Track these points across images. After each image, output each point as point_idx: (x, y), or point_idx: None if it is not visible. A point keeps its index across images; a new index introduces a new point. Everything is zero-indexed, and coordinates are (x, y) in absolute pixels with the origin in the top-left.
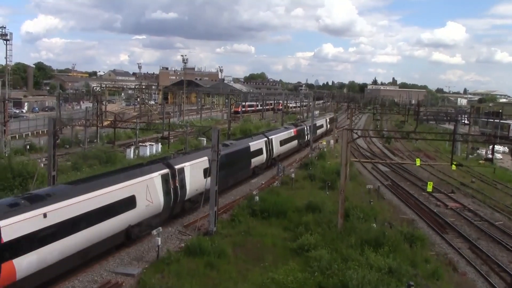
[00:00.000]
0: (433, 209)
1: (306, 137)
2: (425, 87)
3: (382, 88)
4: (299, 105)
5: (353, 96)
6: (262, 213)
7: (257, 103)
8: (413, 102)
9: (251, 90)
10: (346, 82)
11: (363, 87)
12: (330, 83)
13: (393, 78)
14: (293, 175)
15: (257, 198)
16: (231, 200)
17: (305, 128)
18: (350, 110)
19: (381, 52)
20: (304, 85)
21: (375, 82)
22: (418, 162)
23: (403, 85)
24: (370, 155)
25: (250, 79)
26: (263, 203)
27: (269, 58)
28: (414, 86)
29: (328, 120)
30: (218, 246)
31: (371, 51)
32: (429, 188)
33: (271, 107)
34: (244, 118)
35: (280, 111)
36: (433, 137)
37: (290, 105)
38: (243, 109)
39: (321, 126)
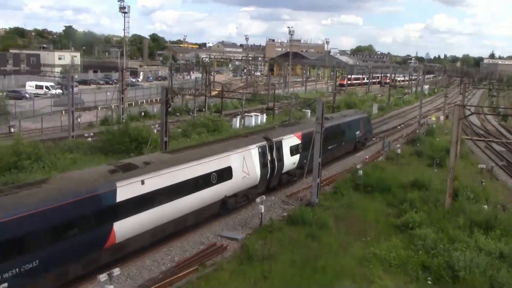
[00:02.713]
0: None
1: None
2: None
3: (500, 62)
4: (407, 79)
5: (467, 71)
6: (365, 187)
7: (363, 76)
8: None
9: (357, 63)
10: (460, 55)
11: (478, 61)
12: (442, 57)
13: None
14: (399, 151)
15: (360, 172)
16: (334, 173)
17: None
18: (463, 85)
19: (500, 24)
20: (413, 58)
21: (492, 56)
22: None
23: None
24: (483, 133)
25: (356, 51)
26: (367, 178)
27: (377, 30)
28: None
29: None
30: (320, 218)
31: (488, 22)
32: None
33: (377, 80)
34: (349, 91)
35: (387, 85)
36: None
37: (398, 79)
38: (349, 82)
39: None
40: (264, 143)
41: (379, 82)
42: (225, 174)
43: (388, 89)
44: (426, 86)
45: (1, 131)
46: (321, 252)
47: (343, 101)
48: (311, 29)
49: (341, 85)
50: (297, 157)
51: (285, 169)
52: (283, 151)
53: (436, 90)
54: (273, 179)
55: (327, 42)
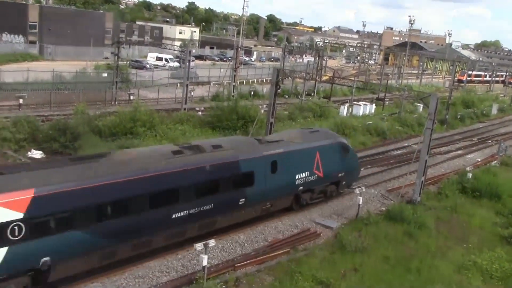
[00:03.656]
0: None
1: None
2: None
3: None
4: None
5: None
6: (473, 191)
7: (486, 73)
8: None
9: (480, 59)
10: None
11: None
12: None
13: None
14: None
15: (470, 175)
16: (441, 172)
17: None
18: None
19: None
20: None
21: None
22: None
23: None
24: None
25: (481, 46)
26: (476, 181)
27: (508, 25)
28: None
29: None
30: (420, 217)
31: None
32: None
33: (501, 79)
34: (468, 88)
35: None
36: None
37: None
38: (468, 78)
39: None
40: None
41: (503, 81)
42: None
43: None
44: None
45: (122, 98)
46: (417, 252)
47: (460, 98)
48: (433, 19)
49: (460, 81)
50: None
51: None
52: None
53: None
54: None
55: (450, 34)
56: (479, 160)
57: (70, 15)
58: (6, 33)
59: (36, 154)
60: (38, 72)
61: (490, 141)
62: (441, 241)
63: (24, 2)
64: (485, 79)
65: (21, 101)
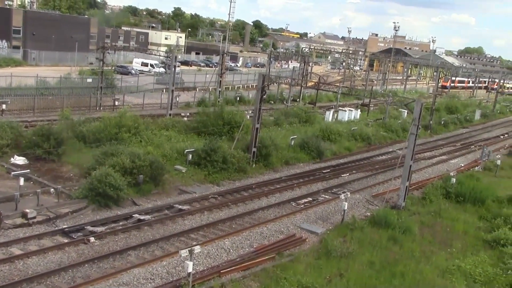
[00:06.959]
0: None
1: None
2: None
3: None
4: None
5: None
6: (457, 196)
7: (469, 79)
8: None
9: (464, 65)
10: None
11: None
12: None
13: None
14: (498, 162)
15: (453, 180)
16: (425, 177)
17: None
18: None
19: None
20: None
21: None
22: None
23: None
24: None
25: (465, 53)
26: (460, 186)
27: (491, 32)
28: None
29: None
30: (405, 222)
31: None
32: None
33: (484, 85)
34: (451, 94)
35: (494, 91)
36: None
37: (508, 86)
38: (452, 84)
39: None
40: None
41: (486, 87)
42: None
43: (495, 95)
44: None
45: (107, 103)
46: (401, 257)
47: (444, 104)
48: (418, 26)
49: (443, 87)
50: None
51: None
52: None
53: None
54: None
55: (433, 41)
56: (463, 165)
57: (54, 20)
58: None
59: (19, 160)
60: (21, 77)
61: (473, 147)
62: (426, 246)
63: (8, 7)
64: (468, 85)
65: (4, 106)
